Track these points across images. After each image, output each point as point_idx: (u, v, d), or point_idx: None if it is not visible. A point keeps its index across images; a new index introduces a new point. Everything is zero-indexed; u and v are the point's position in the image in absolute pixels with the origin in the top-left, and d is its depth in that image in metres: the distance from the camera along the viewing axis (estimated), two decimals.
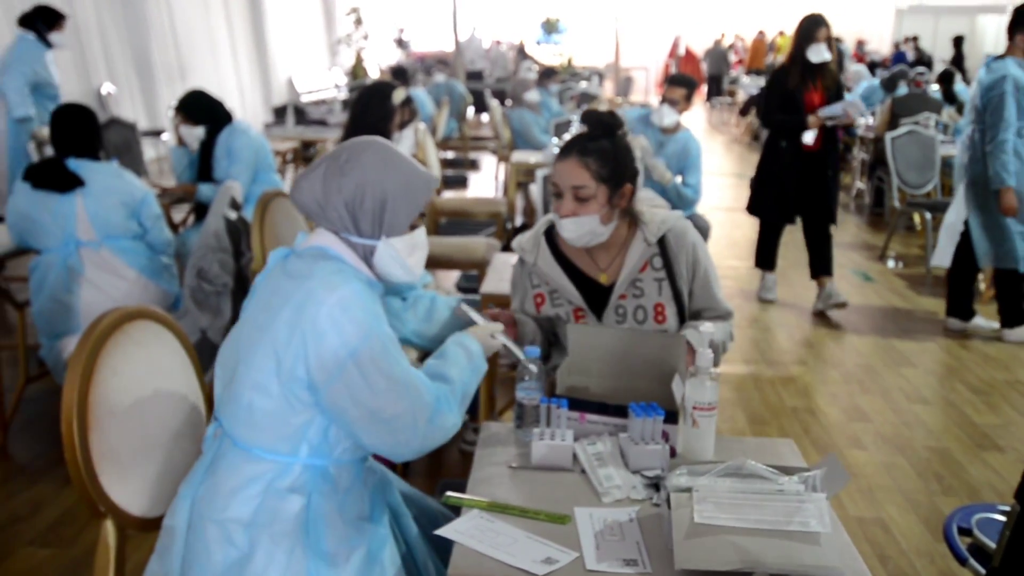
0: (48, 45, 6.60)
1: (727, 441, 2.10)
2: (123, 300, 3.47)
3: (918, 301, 6.21)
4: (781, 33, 19.89)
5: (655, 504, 1.80)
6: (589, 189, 2.25)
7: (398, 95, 3.80)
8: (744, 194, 6.67)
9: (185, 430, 2.14)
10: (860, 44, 19.99)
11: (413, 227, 1.91)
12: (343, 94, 11.93)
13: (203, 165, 4.74)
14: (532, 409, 2.07)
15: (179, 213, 5.59)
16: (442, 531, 1.71)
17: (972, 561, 2.24)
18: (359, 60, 14.41)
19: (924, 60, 16.32)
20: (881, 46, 21.45)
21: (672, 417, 2.00)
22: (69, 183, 3.59)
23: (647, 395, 2.10)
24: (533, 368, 2.08)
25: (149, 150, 8.94)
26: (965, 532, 2.36)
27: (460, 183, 9.61)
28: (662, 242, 2.37)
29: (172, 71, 11.38)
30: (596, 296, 2.36)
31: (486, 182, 10.09)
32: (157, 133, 9.89)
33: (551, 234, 2.43)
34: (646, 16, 22.21)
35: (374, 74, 15.32)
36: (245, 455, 1.80)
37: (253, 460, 1.80)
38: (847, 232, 8.37)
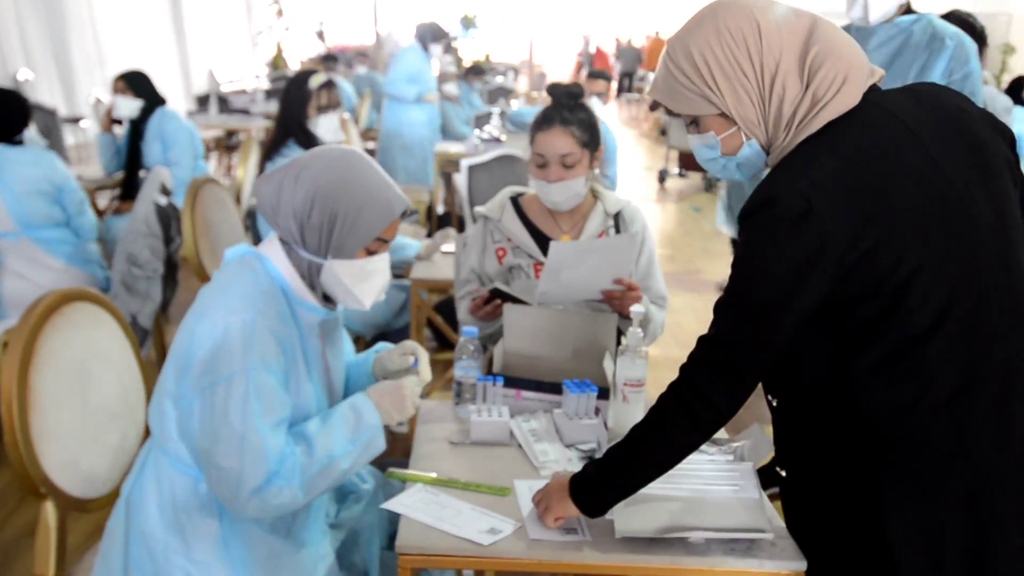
0: None
1: None
2: (50, 289, 3.39)
3: None
4: None
5: None
6: (575, 155, 2.40)
7: (316, 79, 3.75)
8: (652, 186, 6.88)
9: (124, 411, 2.14)
10: None
11: (371, 252, 1.77)
12: (264, 84, 11.78)
13: (132, 151, 4.68)
14: (469, 386, 2.13)
15: (103, 199, 5.49)
16: (387, 505, 1.75)
17: None
18: (279, 51, 14.24)
19: None
20: None
21: (603, 393, 2.09)
22: None
23: (579, 372, 2.19)
24: (470, 347, 2.14)
25: (68, 137, 8.71)
26: None
27: None
28: (617, 216, 2.54)
29: (91, 58, 11.10)
30: None
31: None
32: (76, 120, 9.65)
33: (516, 200, 2.58)
34: (557, 15, 22.50)
35: (294, 66, 15.16)
36: (163, 461, 1.76)
37: (167, 468, 1.75)
38: None
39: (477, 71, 8.94)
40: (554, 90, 2.45)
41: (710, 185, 10.22)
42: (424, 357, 1.98)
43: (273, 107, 8.80)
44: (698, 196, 9.78)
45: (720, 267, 6.75)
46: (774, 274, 1.40)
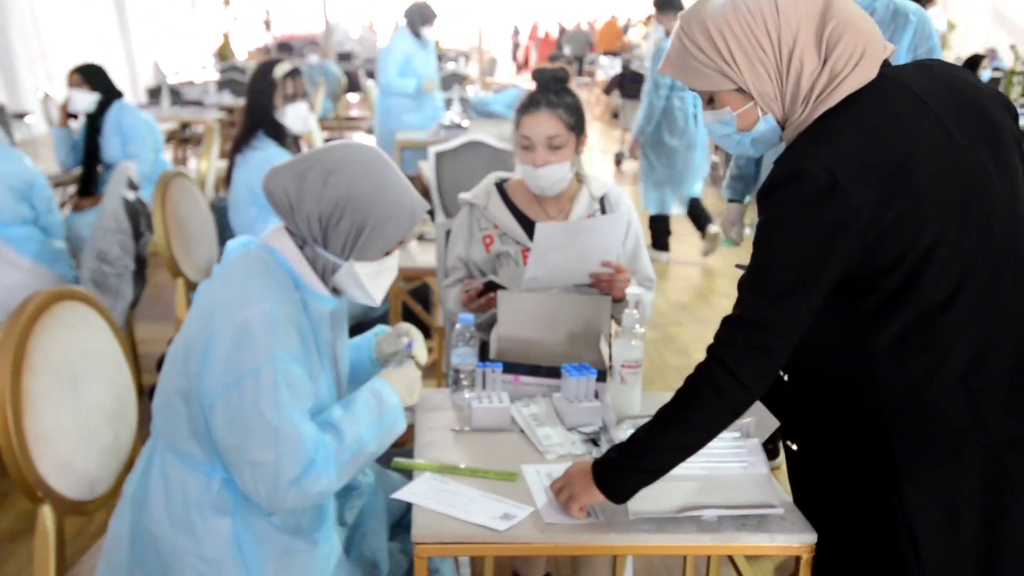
0: None
1: (648, 396, 2.20)
2: (18, 288, 3.32)
3: None
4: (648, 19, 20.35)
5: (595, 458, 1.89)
6: (562, 137, 2.39)
7: (280, 68, 3.69)
8: (608, 169, 6.97)
9: (118, 410, 2.10)
10: None
11: (387, 253, 1.78)
12: (213, 75, 11.61)
13: (90, 146, 4.58)
14: (468, 373, 2.13)
15: (58, 196, 5.39)
16: (398, 494, 1.75)
17: None
18: (226, 41, 14.05)
19: None
20: None
21: (601, 376, 2.10)
22: None
23: (574, 356, 2.20)
24: (467, 334, 2.14)
25: (15, 133, 8.52)
26: None
27: None
28: (603, 200, 2.54)
29: (33, 54, 10.85)
30: None
31: None
32: (21, 116, 9.43)
33: (501, 186, 2.57)
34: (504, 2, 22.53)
35: (241, 56, 14.97)
36: (171, 458, 1.74)
37: (176, 464, 1.73)
38: (706, 201, 8.76)
39: None
40: (540, 75, 2.44)
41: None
42: (419, 339, 1.98)
43: (226, 98, 8.69)
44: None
45: (678, 246, 6.84)
46: (801, 250, 1.42)
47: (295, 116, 3.65)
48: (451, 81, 9.25)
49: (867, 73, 1.45)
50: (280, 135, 3.58)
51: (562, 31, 21.54)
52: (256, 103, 3.63)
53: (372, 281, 1.77)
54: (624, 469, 1.59)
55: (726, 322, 1.51)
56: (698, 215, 6.49)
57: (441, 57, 9.25)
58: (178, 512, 1.71)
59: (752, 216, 3.45)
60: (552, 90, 2.42)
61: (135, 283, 3.68)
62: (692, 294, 5.95)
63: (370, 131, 9.58)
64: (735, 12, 1.46)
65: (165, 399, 1.74)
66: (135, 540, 1.75)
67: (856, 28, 1.45)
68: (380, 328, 2.07)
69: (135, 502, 1.77)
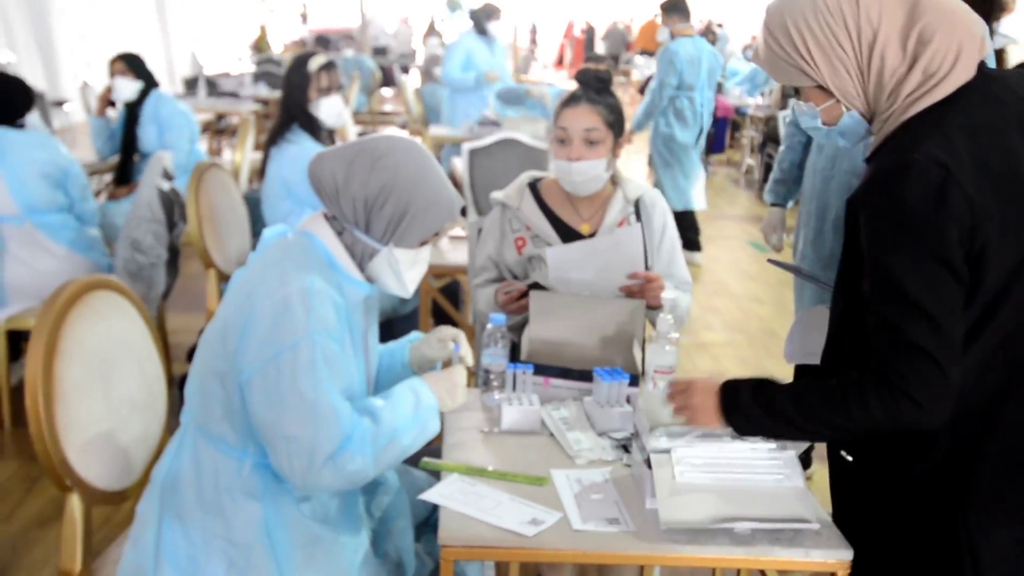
0: None
1: None
2: (53, 276, 3.34)
3: None
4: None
5: (626, 465, 1.86)
6: (600, 132, 2.36)
7: (315, 61, 3.67)
8: (641, 169, 7.04)
9: (148, 401, 2.11)
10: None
11: (423, 243, 1.81)
12: (249, 67, 11.68)
13: (128, 135, 4.61)
14: (498, 374, 2.11)
15: (94, 184, 5.42)
16: (426, 495, 1.73)
17: None
18: (263, 34, 14.11)
19: None
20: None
21: (634, 380, 2.07)
22: None
23: (605, 359, 2.17)
24: (498, 335, 2.12)
25: (54, 120, 8.61)
26: None
27: None
28: (638, 203, 2.50)
29: (73, 41, 10.95)
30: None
31: None
32: (60, 103, 9.53)
33: (534, 186, 2.53)
34: None
35: (277, 48, 15.04)
36: (203, 442, 1.75)
37: (208, 448, 1.74)
38: (740, 205, 8.80)
39: None
40: (583, 75, 2.41)
41: (703, 168, 10.26)
42: (465, 342, 1.97)
43: (262, 90, 8.73)
44: None
45: (708, 247, 6.78)
46: (924, 246, 1.37)
47: (329, 109, 3.63)
48: (484, 77, 9.21)
49: (963, 74, 1.41)
50: (314, 128, 3.58)
51: (590, 30, 21.39)
52: (291, 96, 3.62)
53: (408, 270, 1.80)
54: (755, 417, 1.55)
55: (876, 334, 1.43)
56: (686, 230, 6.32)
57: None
58: (208, 496, 1.72)
59: (793, 222, 3.41)
60: (594, 88, 2.39)
61: (168, 273, 3.68)
62: (725, 298, 5.89)
63: (404, 126, 9.59)
64: (814, 10, 1.45)
65: (200, 382, 1.75)
66: (162, 525, 1.76)
67: (949, 26, 1.41)
68: (414, 335, 2.06)
69: (164, 487, 1.77)
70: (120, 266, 3.54)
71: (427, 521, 2.06)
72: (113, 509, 2.92)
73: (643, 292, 2.27)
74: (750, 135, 10.07)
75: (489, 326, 2.12)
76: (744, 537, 1.61)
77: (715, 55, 6.79)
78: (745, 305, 5.72)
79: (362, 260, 1.79)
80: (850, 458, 1.61)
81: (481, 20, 7.01)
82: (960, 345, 1.39)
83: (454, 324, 4.33)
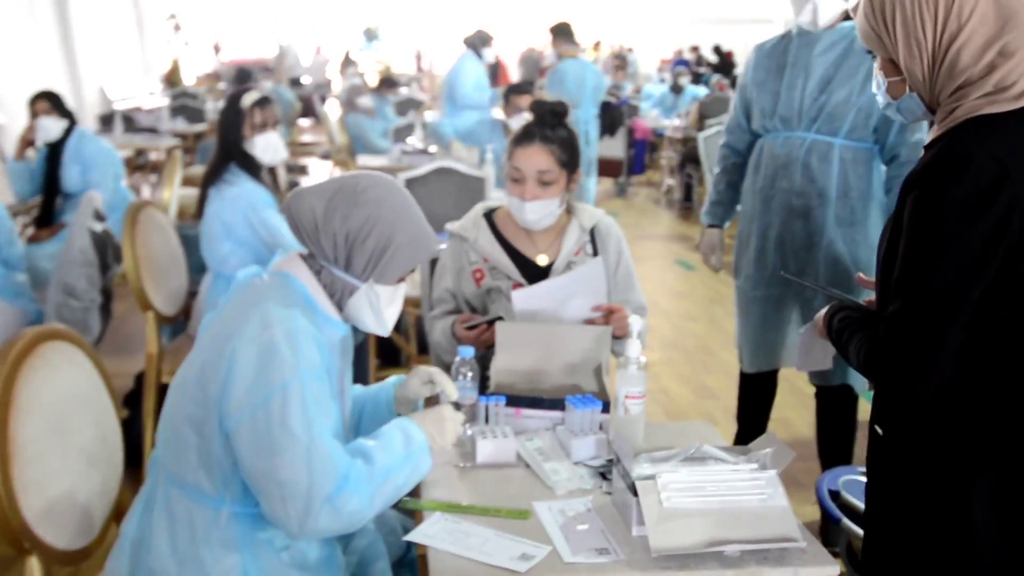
0: None
1: (652, 426, 2.18)
2: None
3: None
4: (597, 46, 20.45)
5: (607, 493, 1.86)
6: (553, 173, 2.36)
7: (249, 97, 3.59)
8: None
9: (104, 453, 2.02)
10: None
11: (400, 280, 1.80)
12: (162, 101, 11.45)
13: (50, 176, 4.46)
14: (468, 408, 2.08)
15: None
16: (410, 536, 1.70)
17: (846, 520, 2.44)
18: (176, 67, 13.84)
19: (710, 66, 17.35)
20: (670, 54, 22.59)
21: (605, 407, 2.07)
22: None
23: (574, 387, 2.17)
24: (467, 368, 2.09)
25: None
26: (833, 494, 2.55)
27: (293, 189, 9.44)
28: (593, 231, 2.51)
29: None
30: (533, 274, 2.45)
31: None
32: None
33: (490, 217, 2.52)
34: (452, 24, 22.57)
35: (189, 81, 14.78)
36: (176, 493, 1.70)
37: (182, 499, 1.69)
38: (662, 225, 8.99)
39: (390, 83, 8.87)
40: (539, 107, 2.41)
41: (622, 190, 10.44)
42: (445, 378, 1.96)
43: (180, 125, 8.56)
44: (612, 202, 9.93)
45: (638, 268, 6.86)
46: (969, 241, 1.42)
47: (265, 146, 3.53)
48: (407, 107, 9.22)
49: None
50: (252, 167, 3.49)
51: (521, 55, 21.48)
52: (226, 134, 3.53)
53: (387, 307, 1.78)
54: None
55: (887, 319, 1.52)
56: None
57: (393, 84, 9.23)
58: (184, 549, 1.66)
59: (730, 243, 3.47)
60: (548, 124, 2.38)
61: (101, 317, 3.57)
62: (657, 317, 5.95)
63: (326, 156, 9.50)
64: None
65: (172, 430, 1.70)
66: None
67: None
68: (397, 379, 2.04)
69: (136, 542, 1.71)
70: (52, 312, 3.41)
71: (402, 561, 2.02)
72: (73, 571, 2.79)
73: (607, 323, 2.27)
74: (668, 156, 10.27)
75: (457, 359, 2.09)
76: (733, 560, 1.62)
77: (598, 75, 7.37)
78: (678, 323, 5.80)
79: (341, 299, 1.76)
80: (880, 431, 1.66)
81: (477, 45, 7.43)
82: (959, 338, 1.47)
83: (398, 354, 4.29)
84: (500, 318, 2.26)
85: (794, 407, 4.32)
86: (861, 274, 2.03)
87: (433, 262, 2.81)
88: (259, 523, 1.68)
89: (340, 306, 1.77)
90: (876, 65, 1.64)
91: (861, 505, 2.41)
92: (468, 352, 2.10)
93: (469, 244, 2.49)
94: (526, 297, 2.26)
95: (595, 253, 2.49)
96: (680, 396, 4.57)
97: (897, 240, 1.54)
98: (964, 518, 1.52)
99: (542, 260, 2.47)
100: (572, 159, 2.41)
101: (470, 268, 2.48)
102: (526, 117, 5.61)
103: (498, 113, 6.73)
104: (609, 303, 2.32)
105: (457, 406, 2.08)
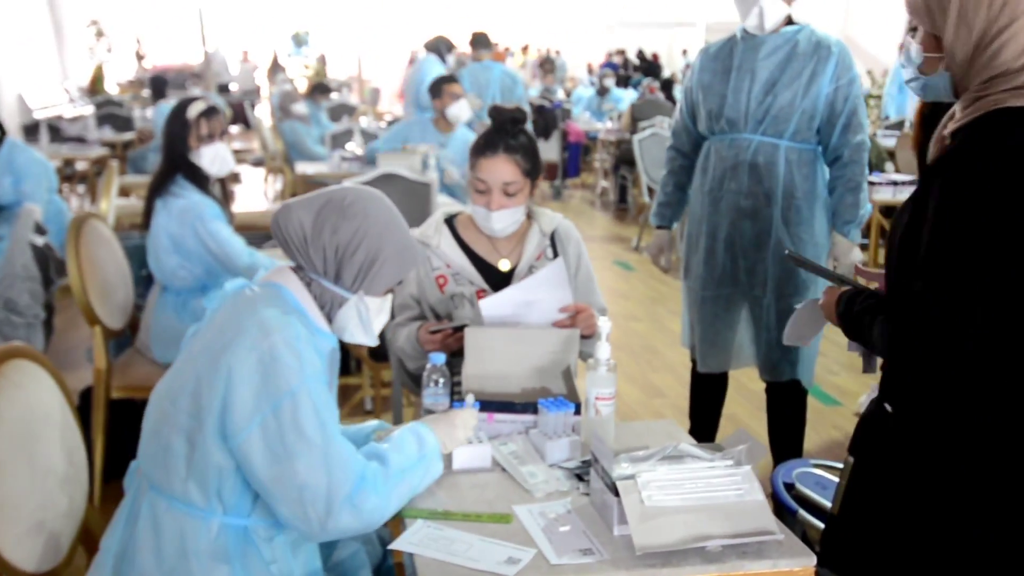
0: None
1: (618, 426, 2.20)
2: None
3: (676, 284, 6.69)
4: (525, 49, 20.51)
5: (584, 494, 1.88)
6: (518, 184, 2.38)
7: (195, 108, 3.53)
8: None
9: (71, 473, 1.98)
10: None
11: (388, 291, 1.83)
12: (86, 109, 11.18)
13: None
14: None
15: None
16: (395, 544, 1.70)
17: (802, 512, 2.51)
18: (99, 74, 13.50)
19: (637, 69, 17.59)
20: (598, 57, 22.84)
21: (576, 409, 2.09)
22: None
23: (544, 390, 2.19)
24: (438, 374, 2.10)
25: None
26: (787, 487, 2.62)
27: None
28: (553, 235, 2.54)
29: None
30: (495, 280, 2.47)
31: (252, 194, 9.78)
32: None
33: (451, 222, 2.53)
34: (382, 30, 22.44)
35: (112, 89, 14.45)
36: (162, 504, 1.69)
37: (170, 511, 1.68)
38: (599, 227, 9.10)
39: (322, 89, 8.79)
40: (497, 114, 2.43)
41: (558, 193, 10.53)
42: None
43: (107, 133, 8.37)
44: (548, 204, 10.00)
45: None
46: (995, 225, 1.46)
47: (212, 157, 3.47)
48: (340, 112, 9.17)
49: None
50: (199, 178, 3.44)
51: (413, 59, 21.46)
52: (171, 146, 3.47)
53: (375, 318, 1.80)
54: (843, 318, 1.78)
55: (916, 299, 1.55)
56: None
57: (326, 90, 9.15)
58: (172, 562, 1.65)
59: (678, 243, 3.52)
60: (509, 132, 2.40)
61: (44, 333, 3.48)
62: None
63: (259, 163, 9.38)
64: None
65: (158, 442, 1.69)
66: None
67: None
68: (378, 424, 2.05)
69: (118, 558, 1.70)
70: None
71: (379, 570, 2.02)
72: None
73: (575, 324, 2.30)
74: (601, 158, 10.39)
75: (428, 366, 2.10)
76: (715, 555, 1.65)
77: (508, 74, 7.71)
78: (621, 323, 5.84)
79: (331, 311, 1.77)
80: (890, 408, 1.72)
81: (442, 50, 7.56)
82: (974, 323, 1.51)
83: (348, 361, 4.26)
84: (466, 325, 2.27)
85: (740, 403, 4.41)
86: (859, 264, 2.12)
87: None
88: (249, 535, 1.68)
89: (330, 318, 1.78)
90: (913, 38, 1.67)
91: (816, 497, 2.50)
92: (439, 359, 2.10)
93: (431, 250, 2.49)
94: (493, 304, 2.28)
95: (555, 257, 2.51)
96: (628, 395, 4.63)
97: (916, 226, 1.59)
98: (967, 502, 1.56)
99: (504, 265, 2.49)
100: (535, 166, 2.43)
101: (433, 274, 2.48)
102: (463, 104, 5.62)
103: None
104: (576, 304, 2.34)
105: (430, 413, 2.09)
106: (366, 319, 1.78)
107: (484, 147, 2.40)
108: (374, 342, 1.84)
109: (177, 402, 1.67)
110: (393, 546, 1.70)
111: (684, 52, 18.49)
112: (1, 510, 1.74)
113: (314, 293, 1.76)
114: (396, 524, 1.91)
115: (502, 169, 2.37)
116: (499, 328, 2.25)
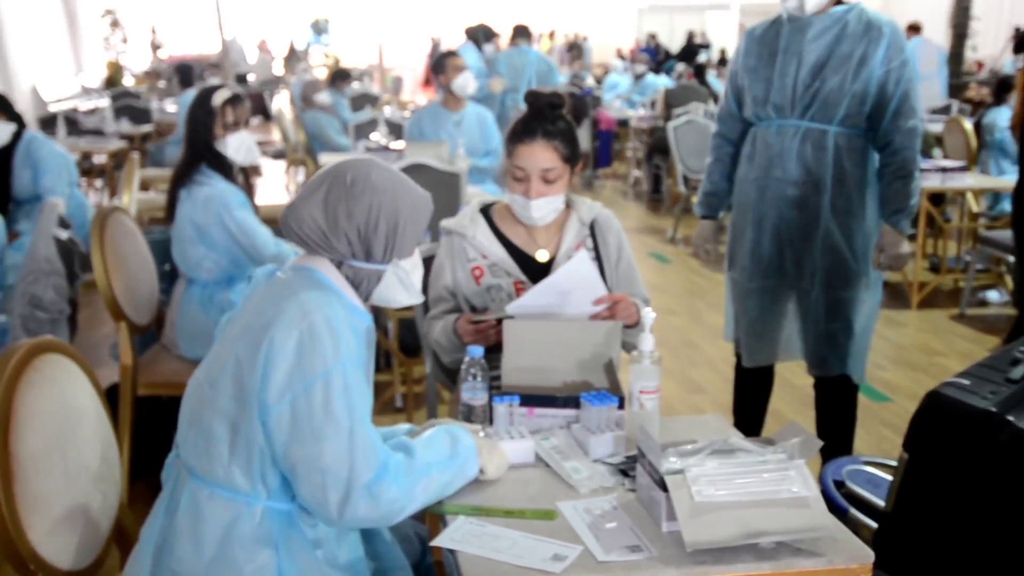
0: None
1: (663, 422, 2.15)
2: None
3: (714, 277, 6.62)
4: (552, 35, 20.35)
5: (630, 490, 1.83)
6: (557, 170, 2.32)
7: (220, 95, 3.49)
8: None
9: (104, 470, 1.95)
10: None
11: (416, 245, 1.84)
12: (101, 102, 11.17)
13: (1, 181, 4.31)
14: (480, 409, 2.05)
15: None
16: (437, 541, 1.66)
17: (853, 510, 2.44)
18: (116, 66, 13.49)
19: (668, 55, 17.42)
20: (627, 42, 22.67)
21: (620, 403, 2.04)
22: None
23: (586, 384, 2.15)
24: (477, 368, 2.06)
25: None
26: (837, 485, 2.56)
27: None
28: (592, 225, 2.48)
29: None
30: (533, 271, 2.41)
31: (274, 187, 9.72)
32: None
33: (487, 212, 2.47)
34: (402, 17, 22.31)
35: (128, 81, 14.44)
36: (204, 492, 1.67)
37: (213, 498, 1.66)
38: (632, 218, 8.91)
39: (343, 76, 8.71)
40: (535, 99, 2.37)
41: (588, 183, 10.41)
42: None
43: (125, 126, 8.35)
44: (579, 194, 9.89)
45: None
46: None
47: (237, 146, 3.43)
48: (362, 102, 9.10)
49: None
50: (224, 167, 3.40)
51: (435, 46, 21.36)
52: (195, 134, 3.43)
53: (413, 275, 1.82)
54: None
55: None
56: None
57: (347, 76, 9.07)
58: (213, 549, 1.63)
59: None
60: (548, 118, 2.34)
61: (69, 328, 3.46)
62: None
63: (279, 155, 9.33)
64: None
65: (199, 429, 1.68)
66: None
67: None
68: (410, 428, 2.00)
69: (158, 547, 1.69)
70: (18, 325, 3.30)
71: (418, 568, 1.99)
72: None
73: (613, 315, 2.24)
74: (634, 147, 10.21)
75: (466, 359, 2.06)
76: (768, 551, 1.61)
77: (543, 60, 7.71)
78: (658, 318, 5.67)
79: (368, 287, 1.76)
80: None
81: (479, 38, 7.59)
82: None
83: (379, 353, 4.22)
84: (510, 317, 2.21)
85: (785, 399, 4.32)
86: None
87: (428, 261, 2.75)
88: (294, 519, 1.67)
89: (367, 295, 1.78)
90: None
91: (868, 495, 2.43)
92: (477, 352, 2.06)
93: (467, 240, 2.44)
94: (522, 306, 2.21)
95: (595, 247, 2.46)
96: (667, 391, 4.52)
97: None
98: None
99: (542, 256, 2.43)
100: (574, 152, 2.37)
101: (469, 265, 2.43)
102: (468, 76, 5.56)
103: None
104: (610, 295, 2.29)
105: (468, 407, 2.05)
106: (407, 281, 1.80)
107: (522, 133, 2.34)
108: (419, 299, 1.86)
109: (217, 386, 1.66)
110: (435, 542, 1.66)
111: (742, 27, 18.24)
112: (36, 506, 1.71)
113: (346, 274, 1.75)
114: (435, 522, 1.88)
115: (540, 155, 2.31)
116: (539, 321, 2.19)
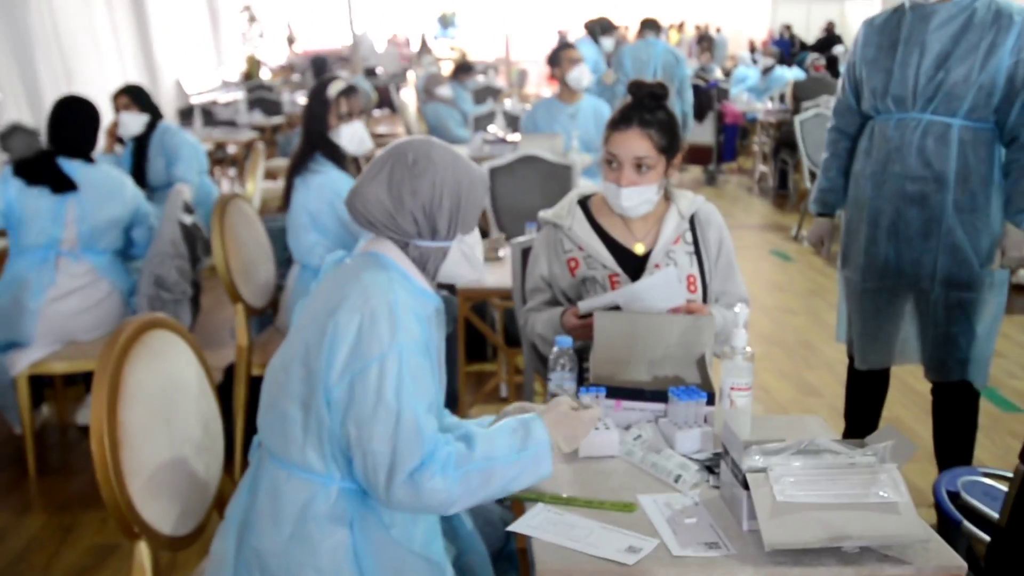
0: None
1: (759, 420, 2.11)
2: (91, 316, 3.31)
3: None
4: (681, 27, 20.08)
5: (714, 487, 1.81)
6: (651, 160, 2.30)
7: (335, 87, 3.58)
8: None
9: (206, 442, 2.04)
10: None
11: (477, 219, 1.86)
12: (238, 94, 11.62)
13: (136, 170, 4.54)
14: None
15: None
16: (514, 527, 1.68)
17: (967, 523, 2.33)
18: (253, 59, 14.01)
19: (803, 46, 16.89)
20: (760, 33, 22.14)
21: (709, 399, 2.02)
22: (62, 184, 3.40)
23: (676, 379, 2.12)
24: (565, 358, 2.06)
25: None
26: (951, 496, 2.45)
27: None
28: (692, 218, 2.44)
29: (57, 75, 10.81)
30: (630, 264, 2.40)
31: None
32: None
33: (584, 204, 2.46)
34: (530, 10, 22.37)
35: (264, 74, 14.96)
36: (283, 473, 1.73)
37: (290, 479, 1.72)
38: (756, 214, 8.70)
39: (466, 69, 8.81)
40: (637, 90, 2.35)
41: (712, 178, 10.23)
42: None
43: (257, 117, 8.67)
44: (702, 190, 9.75)
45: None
46: None
47: (351, 136, 3.52)
48: (484, 95, 9.18)
49: None
50: (337, 156, 3.50)
51: (562, 39, 21.26)
52: (311, 124, 3.54)
53: (476, 249, 1.85)
54: None
55: None
56: None
57: (469, 69, 9.17)
58: (291, 528, 1.69)
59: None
60: (647, 107, 2.32)
61: (192, 309, 3.62)
62: (755, 310, 5.73)
63: None
64: None
65: (276, 413, 1.73)
66: (239, 562, 1.74)
67: None
68: (487, 420, 1.99)
69: (242, 524, 1.75)
70: (144, 304, 3.47)
71: (501, 553, 2.01)
72: (170, 556, 2.85)
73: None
74: (761, 141, 9.97)
75: (555, 349, 2.07)
76: (852, 556, 1.56)
77: (672, 53, 7.57)
78: (777, 316, 5.58)
79: (435, 265, 1.79)
80: None
81: (596, 32, 7.64)
82: None
83: (485, 346, 4.27)
84: (618, 309, 2.21)
85: (906, 405, 4.17)
86: None
87: (525, 251, 2.77)
88: (367, 500, 1.71)
89: (435, 273, 1.81)
90: None
91: (984, 508, 2.32)
92: (566, 342, 2.07)
93: (563, 232, 2.44)
94: (609, 319, 2.16)
95: (695, 241, 2.42)
96: (781, 393, 4.45)
97: None
98: None
99: (639, 249, 2.41)
100: (672, 144, 2.34)
101: (564, 256, 2.43)
102: (583, 68, 5.53)
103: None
104: (689, 304, 2.25)
105: (554, 396, 2.05)
106: (472, 256, 1.83)
107: (618, 121, 2.33)
108: (482, 273, 1.91)
109: (289, 371, 1.71)
110: (512, 528, 1.69)
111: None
112: (140, 472, 1.80)
113: (412, 256, 1.78)
114: (520, 509, 1.89)
115: (634, 143, 2.29)
116: (631, 314, 2.18)
